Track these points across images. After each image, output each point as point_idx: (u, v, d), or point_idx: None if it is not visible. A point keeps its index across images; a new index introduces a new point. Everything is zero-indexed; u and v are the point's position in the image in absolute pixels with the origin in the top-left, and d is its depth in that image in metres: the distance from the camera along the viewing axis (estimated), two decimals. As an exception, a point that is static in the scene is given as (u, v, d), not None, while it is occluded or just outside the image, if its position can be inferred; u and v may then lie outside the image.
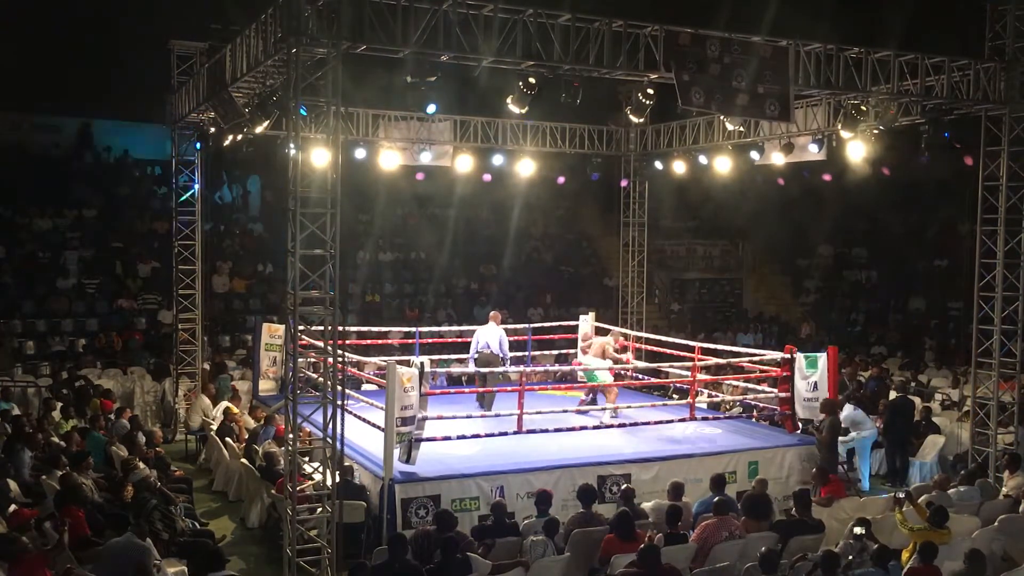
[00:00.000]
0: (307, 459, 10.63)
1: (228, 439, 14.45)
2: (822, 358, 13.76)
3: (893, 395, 16.61)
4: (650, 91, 12.24)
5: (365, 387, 15.56)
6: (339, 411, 9.94)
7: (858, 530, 9.36)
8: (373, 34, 10.36)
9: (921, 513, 10.22)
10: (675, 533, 9.72)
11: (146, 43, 19.30)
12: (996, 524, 10.39)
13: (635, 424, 14.08)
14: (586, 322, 17.53)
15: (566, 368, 17.94)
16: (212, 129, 15.73)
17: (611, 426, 13.85)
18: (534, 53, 11.26)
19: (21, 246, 21.87)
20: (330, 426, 9.89)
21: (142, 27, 21.79)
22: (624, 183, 20.71)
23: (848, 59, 12.83)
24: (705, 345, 16.47)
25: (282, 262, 11.22)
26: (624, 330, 18.46)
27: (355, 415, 12.14)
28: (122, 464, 12.17)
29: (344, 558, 10.17)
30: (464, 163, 18.39)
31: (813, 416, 13.67)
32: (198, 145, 16.83)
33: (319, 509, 9.99)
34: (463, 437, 12.47)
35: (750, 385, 15.21)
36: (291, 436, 9.99)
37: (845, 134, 14.16)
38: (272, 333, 17.03)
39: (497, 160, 18.84)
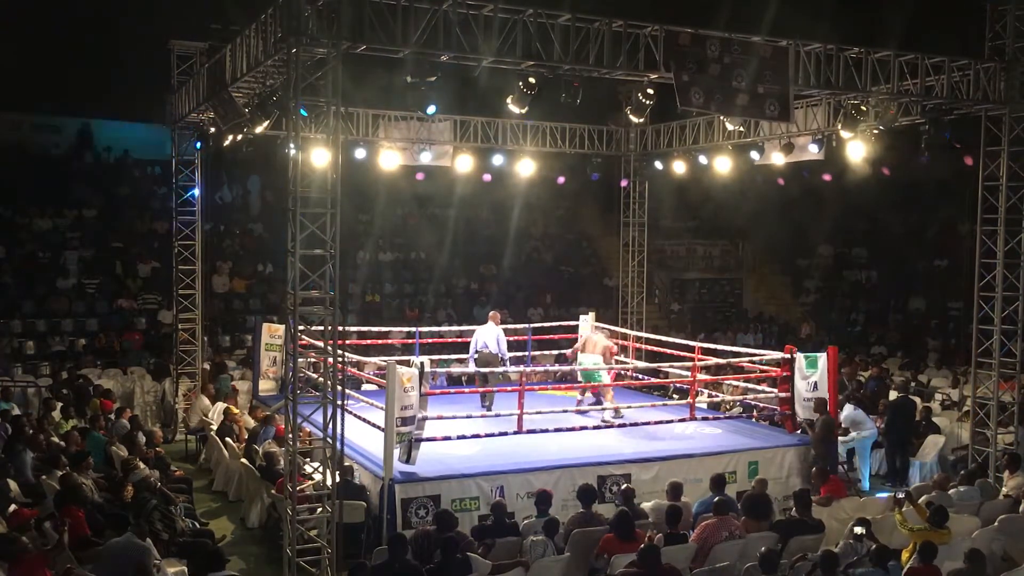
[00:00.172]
0: (307, 459, 10.64)
1: (228, 439, 14.46)
2: (822, 358, 13.75)
3: (894, 395, 16.63)
4: (650, 91, 12.24)
5: (365, 387, 15.56)
6: (339, 411, 9.94)
7: (858, 530, 9.37)
8: (373, 34, 10.36)
9: (921, 513, 10.22)
10: (675, 533, 9.72)
11: (146, 43, 19.29)
12: (996, 524, 10.39)
13: (635, 424, 14.08)
14: (586, 322, 17.53)
15: (566, 368, 17.93)
16: (212, 129, 15.72)
17: (611, 426, 13.85)
18: (534, 53, 11.26)
19: (21, 246, 21.86)
20: (330, 426, 9.89)
21: (142, 27, 21.78)
22: (624, 183, 20.71)
23: (848, 59, 12.83)
24: (705, 345, 16.47)
25: (282, 262, 11.22)
26: (624, 330, 18.45)
27: (355, 415, 12.14)
28: (122, 464, 12.18)
29: (344, 558, 10.17)
30: (464, 163, 18.39)
31: (813, 416, 13.66)
32: (198, 145, 16.82)
33: (319, 509, 9.99)
34: (463, 437, 12.47)
35: (750, 385, 15.21)
36: (291, 436, 9.99)
37: (845, 134, 14.16)
38: (272, 333, 17.03)
39: (497, 160, 18.84)
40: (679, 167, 18.91)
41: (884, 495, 13.54)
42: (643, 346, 17.91)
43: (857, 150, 14.93)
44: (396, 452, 11.35)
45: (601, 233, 28.27)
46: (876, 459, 15.18)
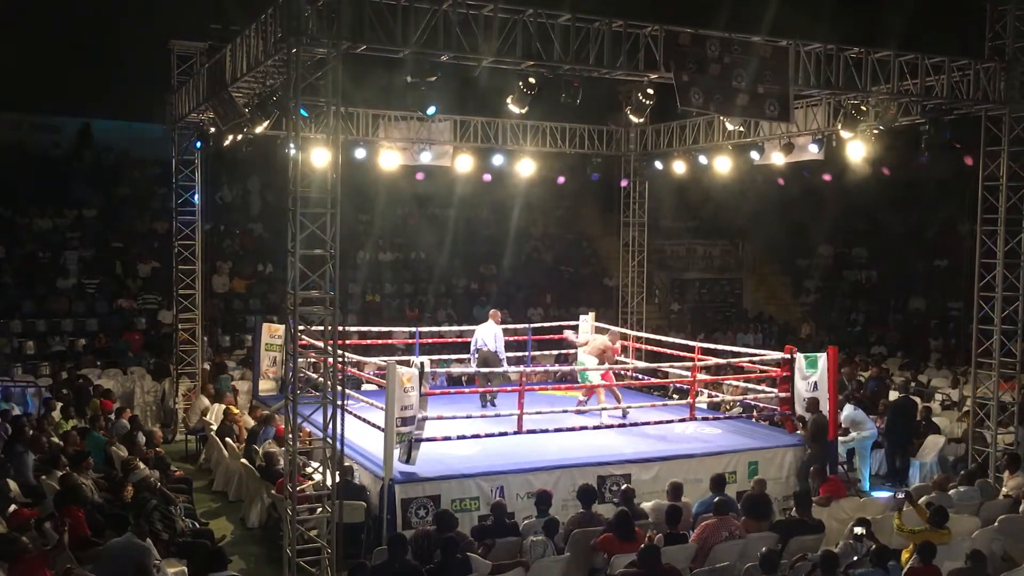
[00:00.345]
0: (307, 460, 10.65)
1: (228, 439, 14.46)
2: (822, 358, 13.75)
3: (894, 395, 16.63)
4: (650, 91, 12.24)
5: (365, 387, 15.56)
6: (339, 411, 9.94)
7: (858, 530, 9.37)
8: (373, 34, 10.36)
9: (921, 513, 10.22)
10: (675, 533, 9.72)
11: (146, 43, 19.29)
12: (996, 524, 10.39)
13: (635, 424, 14.08)
14: (586, 322, 17.53)
15: (566, 368, 17.94)
16: (212, 129, 15.72)
17: (611, 426, 13.85)
18: (534, 53, 11.26)
19: (21, 246, 21.86)
20: (330, 426, 9.89)
21: (142, 27, 21.77)
22: (624, 183, 20.71)
23: (848, 59, 12.83)
24: (705, 345, 16.48)
25: (282, 262, 11.22)
26: (624, 330, 18.46)
27: (355, 415, 12.14)
28: (122, 464, 12.18)
29: (344, 558, 10.17)
30: (464, 163, 18.39)
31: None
32: (198, 144, 16.82)
33: (319, 509, 9.99)
34: (463, 437, 12.47)
35: (750, 385, 15.21)
36: (291, 436, 9.99)
37: (845, 134, 14.16)
38: (272, 333, 17.04)
39: (497, 160, 18.83)
40: (679, 167, 18.91)
41: (881, 493, 13.60)
42: (643, 346, 17.92)
43: (857, 150, 14.93)
44: (396, 452, 11.35)
45: (601, 233, 28.27)
46: (876, 459, 15.19)
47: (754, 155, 17.16)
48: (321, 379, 10.40)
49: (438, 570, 8.87)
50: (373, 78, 15.53)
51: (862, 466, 14.54)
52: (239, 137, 14.95)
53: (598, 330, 17.14)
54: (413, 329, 18.29)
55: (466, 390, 16.26)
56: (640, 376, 16.98)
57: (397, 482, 11.21)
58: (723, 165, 17.98)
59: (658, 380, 17.19)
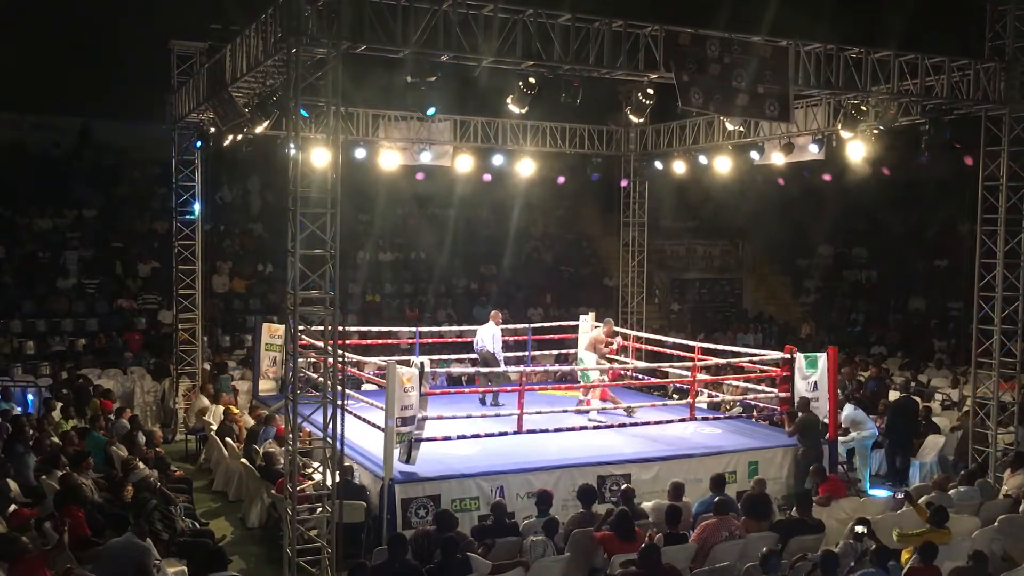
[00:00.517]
0: (308, 460, 10.64)
1: (228, 439, 14.46)
2: (822, 358, 13.76)
3: (894, 395, 16.62)
4: (650, 91, 12.23)
5: (365, 387, 15.57)
6: (339, 411, 9.94)
7: (859, 529, 9.36)
8: (373, 34, 10.36)
9: (921, 513, 10.22)
10: (675, 533, 9.72)
11: (146, 43, 19.28)
12: (996, 524, 10.39)
13: (635, 424, 14.09)
14: (586, 322, 17.54)
15: (566, 368, 17.95)
16: (212, 129, 15.72)
17: (611, 426, 13.85)
18: (534, 53, 11.25)
19: (21, 246, 21.86)
20: (330, 426, 9.89)
21: (142, 27, 21.76)
22: (624, 183, 20.71)
23: (848, 59, 12.82)
24: (705, 345, 16.48)
25: (282, 262, 11.22)
26: (624, 330, 18.46)
27: (355, 415, 12.14)
28: (122, 464, 12.18)
29: (344, 558, 10.17)
30: (464, 163, 18.38)
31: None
32: (198, 144, 16.81)
33: (319, 509, 9.99)
34: (463, 437, 12.48)
35: (750, 385, 15.21)
36: (291, 436, 9.99)
37: (845, 134, 14.15)
38: (272, 333, 17.04)
39: (497, 160, 18.83)
40: (679, 167, 18.90)
41: (878, 491, 13.61)
42: (643, 346, 17.92)
43: (857, 150, 14.92)
44: (396, 452, 11.35)
45: (601, 233, 28.27)
46: (876, 459, 15.19)
47: (754, 155, 17.15)
48: (321, 379, 10.40)
49: (438, 570, 8.87)
50: (373, 78, 15.54)
51: (862, 466, 14.54)
52: (239, 137, 14.95)
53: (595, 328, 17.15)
54: (413, 329, 18.29)
55: (466, 390, 16.26)
56: (640, 376, 16.98)
57: (397, 482, 11.21)
58: (723, 165, 17.97)
59: (658, 380, 17.19)
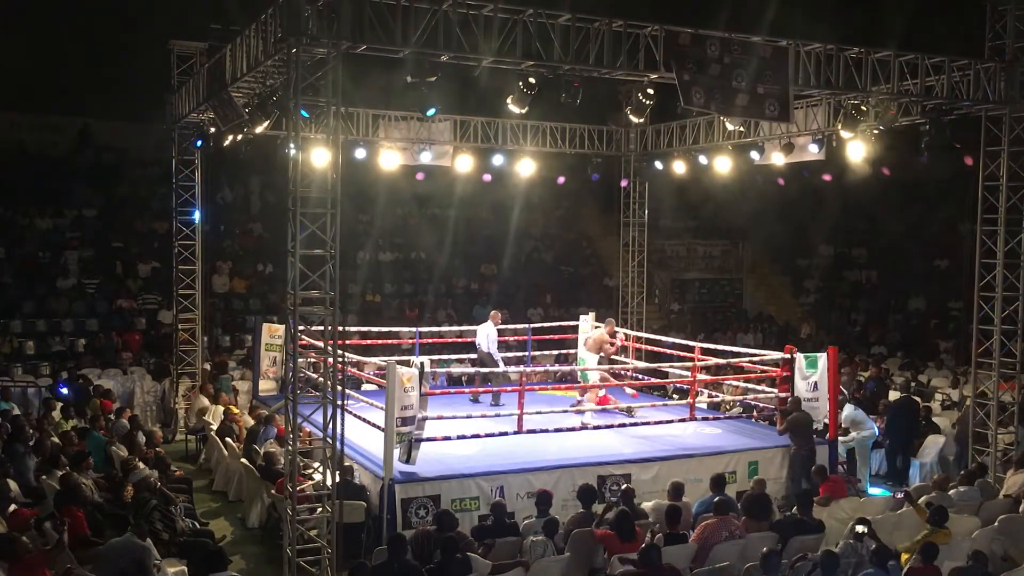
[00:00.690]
0: (308, 460, 10.64)
1: (228, 439, 14.46)
2: (822, 358, 13.75)
3: (895, 395, 16.62)
4: (650, 91, 12.24)
5: (365, 387, 15.57)
6: (339, 411, 9.94)
7: (860, 528, 9.35)
8: (373, 34, 10.36)
9: (921, 513, 10.21)
10: (675, 533, 9.72)
11: (146, 43, 19.29)
12: (996, 524, 10.39)
13: (635, 424, 14.09)
14: (586, 322, 17.54)
15: (566, 368, 17.96)
16: (212, 129, 15.73)
17: (611, 426, 13.85)
18: (534, 53, 11.25)
19: (21, 246, 21.85)
20: (330, 426, 9.89)
21: (142, 27, 21.78)
22: (624, 183, 20.70)
23: (848, 59, 12.82)
24: (705, 345, 16.49)
25: (282, 262, 11.22)
26: (624, 330, 18.46)
27: (355, 415, 12.14)
28: (122, 464, 12.19)
29: (344, 558, 10.17)
30: (464, 163, 18.38)
31: (814, 416, 13.64)
32: (198, 144, 16.81)
33: (319, 509, 9.99)
34: (463, 437, 12.48)
35: (750, 385, 15.21)
36: (291, 436, 9.99)
37: (845, 134, 14.15)
38: (272, 333, 17.04)
39: (497, 160, 18.82)
40: (679, 167, 18.90)
41: (875, 489, 13.61)
42: (643, 346, 17.92)
43: (857, 150, 14.91)
44: (396, 452, 11.35)
45: (601, 233, 28.26)
46: (876, 459, 15.19)
47: (754, 155, 17.14)
48: (321, 379, 10.40)
49: (438, 570, 8.88)
50: (373, 78, 15.54)
51: (862, 466, 14.53)
52: (239, 137, 14.96)
53: (596, 328, 17.16)
54: (413, 329, 18.30)
55: (466, 390, 16.27)
56: (640, 376, 16.98)
57: (397, 482, 11.21)
58: (723, 165, 17.96)
59: (658, 380, 17.19)
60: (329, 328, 10.03)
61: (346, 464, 11.09)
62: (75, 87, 23.99)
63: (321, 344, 10.42)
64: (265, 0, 10.95)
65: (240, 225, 24.61)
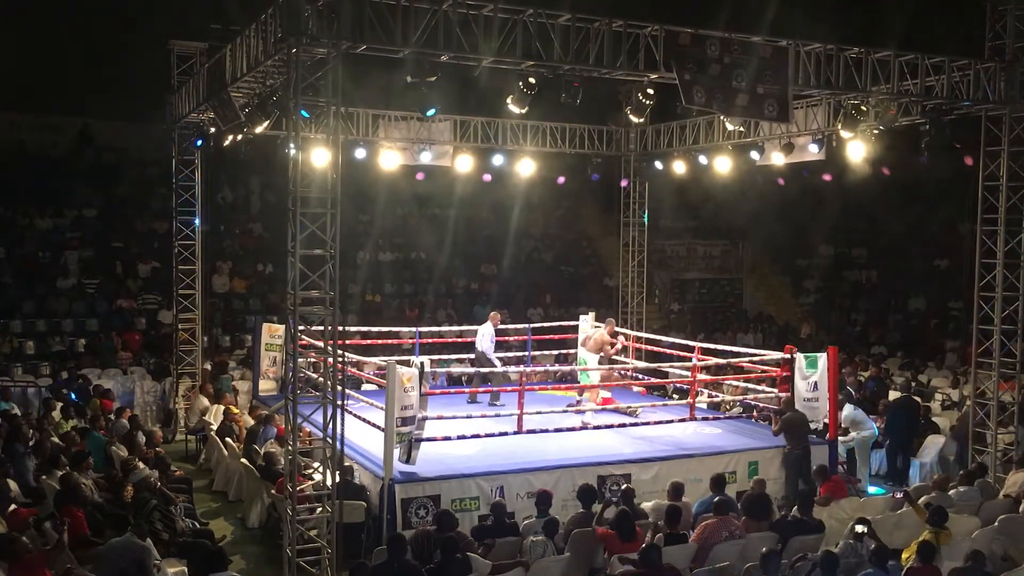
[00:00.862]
0: (309, 460, 10.64)
1: (228, 439, 14.46)
2: (822, 358, 13.75)
3: (895, 395, 16.61)
4: (650, 91, 12.24)
5: (365, 387, 15.57)
6: (339, 411, 9.94)
7: (859, 528, 9.35)
8: (373, 34, 10.36)
9: (920, 513, 10.21)
10: (675, 533, 9.72)
11: (146, 43, 19.29)
12: (996, 524, 10.39)
13: (635, 424, 14.09)
14: (586, 322, 17.54)
15: (566, 368, 17.95)
16: (212, 129, 15.73)
17: (611, 426, 13.85)
18: (534, 53, 11.25)
19: (21, 246, 21.85)
20: (330, 426, 9.89)
21: (142, 27, 21.78)
22: (624, 183, 20.70)
23: (848, 59, 12.82)
24: (705, 345, 16.48)
25: (282, 262, 11.22)
26: (624, 330, 18.46)
27: (355, 415, 12.14)
28: (122, 464, 12.18)
29: (344, 558, 10.17)
30: (464, 163, 18.38)
31: (814, 416, 13.65)
32: (199, 143, 16.82)
33: (319, 509, 9.99)
34: (463, 437, 12.48)
35: (750, 385, 15.21)
36: (291, 436, 9.99)
37: (845, 134, 14.15)
38: (272, 333, 17.04)
39: (497, 160, 18.82)
40: (679, 167, 18.89)
41: (874, 488, 13.60)
42: (643, 346, 17.92)
43: (857, 150, 14.91)
44: (396, 452, 11.35)
45: (601, 233, 28.25)
46: (876, 459, 15.19)
47: (754, 155, 17.15)
48: (321, 379, 10.40)
49: (438, 570, 8.87)
50: (373, 78, 15.54)
51: (862, 466, 14.53)
52: (239, 137, 14.96)
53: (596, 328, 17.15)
54: (413, 329, 18.30)
55: (466, 390, 16.28)
56: (640, 376, 16.98)
57: (397, 482, 11.21)
58: (723, 165, 17.97)
59: (658, 380, 17.19)
60: (329, 328, 10.03)
61: (346, 464, 11.09)
62: (75, 87, 24.00)
63: (321, 344, 10.42)
64: (265, 0, 10.95)
65: (240, 225, 24.61)
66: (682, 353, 16.64)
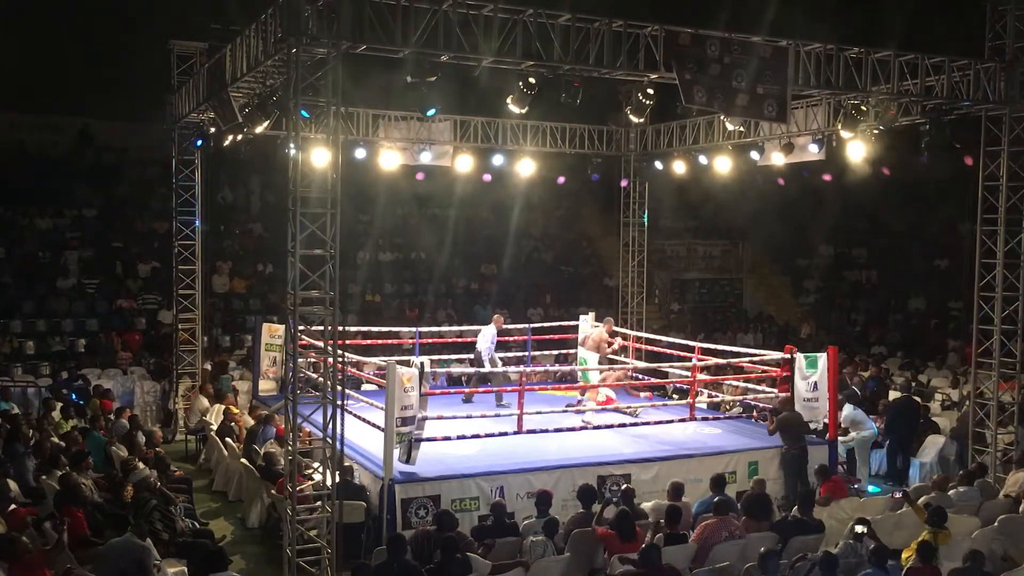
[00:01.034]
0: (309, 460, 10.64)
1: (228, 439, 14.46)
2: (822, 358, 13.75)
3: (895, 395, 16.61)
4: (650, 91, 12.24)
5: (365, 387, 15.57)
6: (339, 411, 9.94)
7: (859, 528, 9.35)
8: (373, 34, 10.36)
9: (920, 514, 10.21)
10: (675, 533, 9.72)
11: (146, 43, 19.29)
12: (996, 524, 10.39)
13: (635, 424, 14.09)
14: (586, 322, 17.54)
15: (566, 368, 17.96)
16: (212, 129, 15.73)
17: (611, 426, 13.85)
18: (534, 53, 11.25)
19: (21, 246, 21.85)
20: (330, 426, 9.89)
21: (142, 27, 21.78)
22: (624, 183, 20.70)
23: (848, 59, 12.82)
24: (705, 345, 16.48)
25: (282, 262, 11.22)
26: (624, 330, 18.47)
27: (355, 415, 12.14)
28: (122, 464, 12.18)
29: (344, 558, 10.17)
30: (464, 163, 18.38)
31: (813, 416, 13.65)
32: (199, 143, 16.82)
33: (319, 509, 9.99)
34: (463, 437, 12.47)
35: (750, 385, 15.21)
36: (291, 436, 9.99)
37: (845, 134, 14.15)
38: (272, 333, 17.04)
39: (497, 160, 18.82)
40: (679, 167, 18.90)
41: (872, 488, 13.59)
42: (643, 346, 17.91)
43: (857, 150, 14.91)
44: (396, 452, 11.35)
45: (601, 233, 28.26)
46: (876, 459, 15.19)
47: (754, 155, 17.15)
48: (321, 379, 10.40)
49: (438, 570, 8.87)
50: (373, 78, 15.54)
51: (862, 466, 14.53)
52: (239, 137, 14.96)
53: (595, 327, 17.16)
54: (413, 329, 18.30)
55: (466, 390, 16.27)
56: (640, 376, 16.98)
57: (397, 482, 11.21)
58: (723, 165, 17.97)
59: (658, 380, 17.19)
60: (329, 328, 10.03)
61: (346, 464, 11.09)
62: (75, 87, 24.00)
63: (321, 344, 10.42)
64: (265, 0, 10.95)
65: (240, 225, 24.61)
66: (682, 353, 16.64)
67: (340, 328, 10.06)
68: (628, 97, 12.43)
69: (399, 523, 11.00)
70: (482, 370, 15.63)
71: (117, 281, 21.96)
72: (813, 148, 15.98)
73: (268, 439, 13.45)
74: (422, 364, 12.22)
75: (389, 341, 17.75)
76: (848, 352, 21.21)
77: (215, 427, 15.39)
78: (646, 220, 21.10)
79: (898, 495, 11.22)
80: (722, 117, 14.46)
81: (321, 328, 10.27)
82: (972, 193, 14.71)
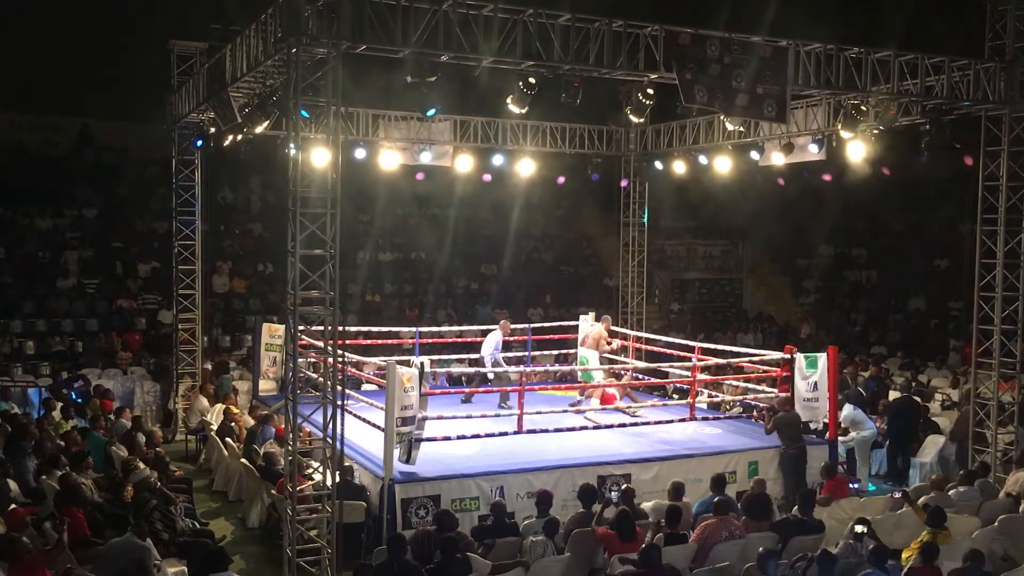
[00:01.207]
0: (309, 460, 10.65)
1: (228, 439, 14.46)
2: (822, 358, 13.75)
3: (895, 395, 16.60)
4: (650, 91, 12.25)
5: (365, 387, 15.58)
6: (339, 411, 9.94)
7: (859, 528, 9.35)
8: (373, 34, 10.36)
9: (919, 514, 10.21)
10: (675, 533, 9.72)
11: (146, 43, 19.30)
12: (996, 524, 10.39)
13: (635, 424, 14.09)
14: (586, 322, 17.55)
15: (566, 368, 17.96)
16: (212, 129, 15.74)
17: (611, 426, 13.85)
18: (534, 53, 11.26)
19: (21, 246, 21.85)
20: (330, 426, 9.90)
21: (142, 27, 21.78)
22: (624, 183, 20.70)
23: (848, 59, 12.82)
24: (705, 345, 16.48)
25: (282, 262, 11.23)
26: (624, 330, 18.47)
27: (355, 415, 12.14)
28: (122, 464, 12.18)
29: (344, 558, 10.17)
30: (464, 163, 18.39)
31: (813, 416, 13.65)
32: (199, 143, 16.82)
33: (319, 509, 9.99)
34: (463, 437, 12.48)
35: (750, 385, 15.21)
36: (291, 436, 9.99)
37: (845, 134, 14.15)
38: (272, 333, 17.05)
39: (497, 160, 18.83)
40: (679, 167, 18.90)
41: (871, 488, 13.58)
42: (643, 346, 17.92)
43: (857, 150, 14.91)
44: (396, 452, 11.35)
45: (601, 233, 28.25)
46: (876, 459, 15.18)
47: (754, 155, 17.15)
48: (321, 379, 10.40)
49: (438, 570, 8.87)
50: (373, 78, 15.54)
51: (862, 466, 14.53)
52: (239, 137, 14.96)
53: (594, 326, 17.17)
54: (414, 329, 18.30)
55: (467, 390, 16.28)
56: (640, 376, 16.98)
57: (397, 482, 11.21)
58: (723, 165, 17.97)
59: (658, 380, 17.19)
60: (329, 328, 10.03)
61: (346, 464, 11.09)
62: (75, 87, 23.99)
63: (321, 344, 10.42)
64: (265, 0, 10.96)
65: (240, 225, 24.60)
66: (682, 353, 16.64)
67: (340, 328, 10.06)
68: (628, 97, 12.44)
69: (399, 523, 11.01)
70: (485, 370, 15.60)
71: (117, 281, 21.96)
72: (813, 148, 15.98)
73: (268, 439, 13.45)
74: (422, 364, 12.22)
75: (389, 341, 17.75)
76: (848, 352, 21.21)
77: (215, 427, 15.39)
78: (646, 220, 21.11)
79: (898, 495, 11.22)
80: (722, 117, 14.45)
81: (321, 328, 10.27)
82: (972, 193, 14.71)
